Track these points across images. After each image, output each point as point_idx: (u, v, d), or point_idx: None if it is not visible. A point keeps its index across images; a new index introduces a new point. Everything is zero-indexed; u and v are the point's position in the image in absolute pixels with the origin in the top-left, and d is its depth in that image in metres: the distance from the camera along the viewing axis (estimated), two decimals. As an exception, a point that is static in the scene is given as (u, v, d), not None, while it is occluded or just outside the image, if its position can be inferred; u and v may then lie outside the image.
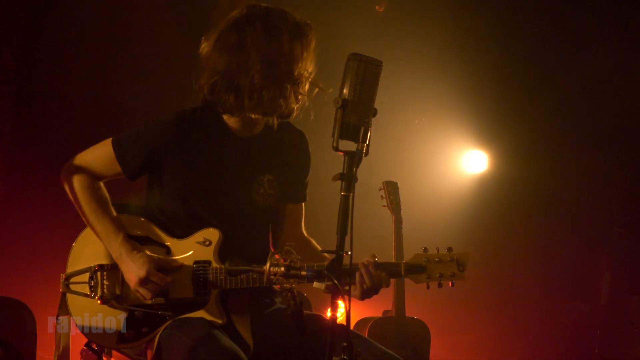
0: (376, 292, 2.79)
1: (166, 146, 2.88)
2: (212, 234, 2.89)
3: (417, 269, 2.85)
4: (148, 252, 2.85)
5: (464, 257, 2.87)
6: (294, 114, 2.89)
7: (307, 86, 2.87)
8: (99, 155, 2.94)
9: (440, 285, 2.88)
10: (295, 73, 2.81)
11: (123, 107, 5.53)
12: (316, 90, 2.88)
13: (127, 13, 5.60)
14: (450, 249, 2.88)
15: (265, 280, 2.36)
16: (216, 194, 2.91)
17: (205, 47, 2.88)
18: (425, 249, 2.88)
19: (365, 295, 2.77)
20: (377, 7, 6.30)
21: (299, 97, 2.85)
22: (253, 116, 2.88)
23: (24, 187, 5.34)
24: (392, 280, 2.95)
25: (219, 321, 2.82)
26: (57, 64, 5.59)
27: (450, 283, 2.88)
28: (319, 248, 3.06)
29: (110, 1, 5.62)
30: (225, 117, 2.94)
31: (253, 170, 2.96)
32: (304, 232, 3.16)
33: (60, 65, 5.58)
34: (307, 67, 2.84)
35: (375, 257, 2.81)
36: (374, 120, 2.32)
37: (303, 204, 3.17)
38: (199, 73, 2.89)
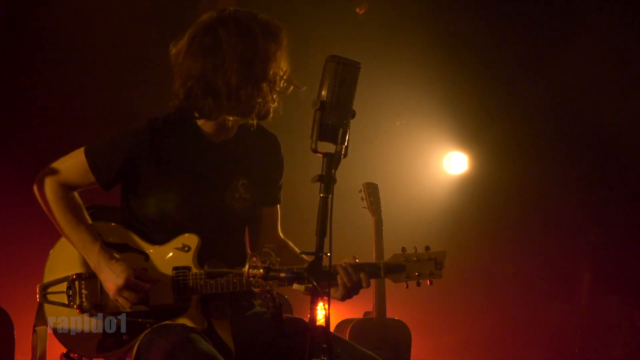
0: (356, 292, 2.81)
1: (140, 155, 2.85)
2: (190, 239, 2.87)
3: (396, 269, 2.88)
4: (127, 261, 2.82)
5: (441, 255, 2.91)
6: (271, 115, 2.88)
7: (282, 84, 2.86)
8: (72, 165, 2.89)
9: (419, 284, 2.91)
10: (271, 72, 2.80)
11: (103, 110, 5.49)
12: (292, 88, 2.88)
13: (106, 15, 5.56)
14: (427, 248, 2.92)
15: (244, 282, 2.36)
16: (192, 200, 2.89)
17: (176, 52, 2.84)
18: (403, 249, 2.91)
19: (346, 296, 2.79)
20: (357, 9, 6.30)
21: (275, 95, 2.84)
22: (231, 119, 2.86)
23: (3, 191, 5.28)
24: (373, 282, 2.96)
25: (200, 327, 2.82)
26: (36, 67, 5.54)
27: (428, 281, 2.90)
28: (297, 250, 3.06)
29: (89, 4, 5.58)
30: (199, 122, 2.92)
31: (228, 175, 2.95)
32: (281, 234, 3.16)
33: (39, 69, 5.53)
34: (282, 66, 2.84)
35: (355, 258, 2.82)
36: (355, 122, 2.32)
37: (278, 206, 3.17)
38: (172, 79, 2.85)
